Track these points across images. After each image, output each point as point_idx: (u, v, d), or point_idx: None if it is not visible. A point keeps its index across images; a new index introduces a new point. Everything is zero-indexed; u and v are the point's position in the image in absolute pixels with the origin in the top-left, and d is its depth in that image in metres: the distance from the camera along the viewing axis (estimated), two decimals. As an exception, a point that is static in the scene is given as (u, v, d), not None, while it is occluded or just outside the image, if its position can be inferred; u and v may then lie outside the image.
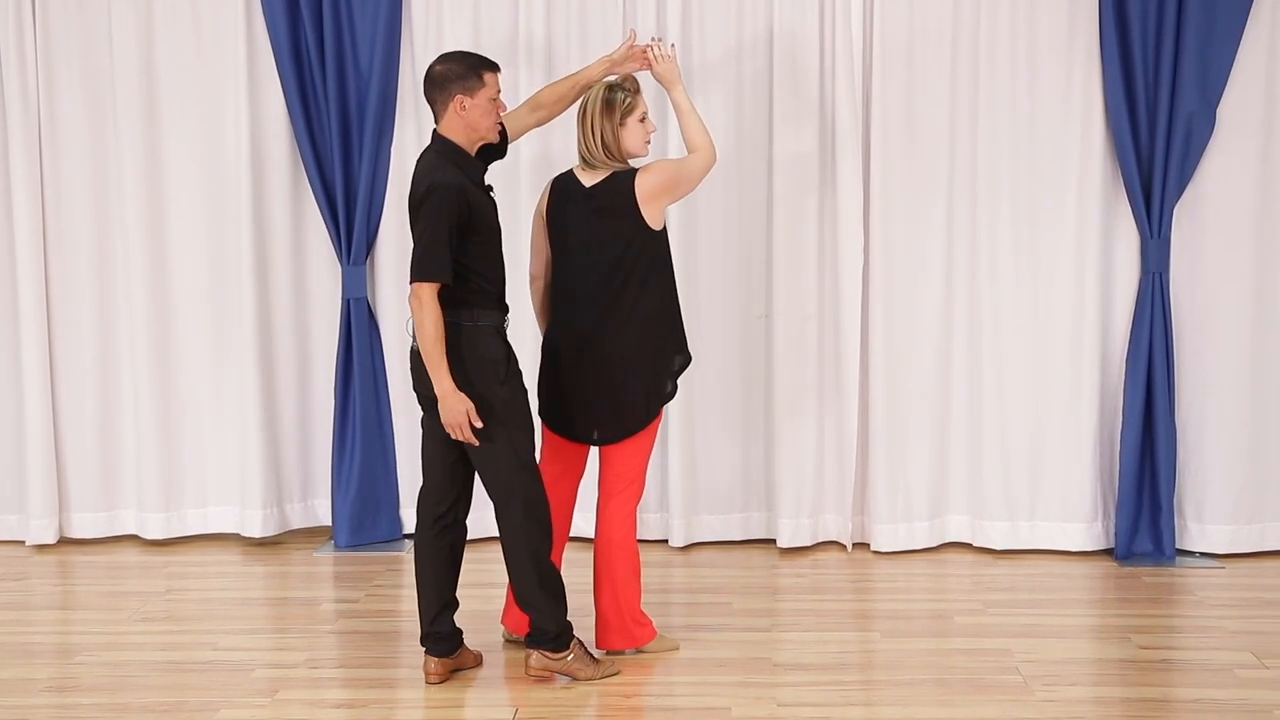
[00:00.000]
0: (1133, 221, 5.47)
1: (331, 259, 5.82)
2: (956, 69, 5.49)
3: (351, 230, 5.69)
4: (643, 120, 4.32)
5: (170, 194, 5.78)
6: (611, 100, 4.27)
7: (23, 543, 5.91)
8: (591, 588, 4.44)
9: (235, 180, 5.71)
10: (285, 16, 5.58)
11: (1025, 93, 5.46)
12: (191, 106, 5.74)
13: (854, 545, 5.71)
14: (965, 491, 5.66)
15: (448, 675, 4.25)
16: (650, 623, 4.48)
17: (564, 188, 4.36)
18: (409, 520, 5.86)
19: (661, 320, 4.34)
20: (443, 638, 4.24)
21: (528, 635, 4.23)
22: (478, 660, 4.37)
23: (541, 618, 4.18)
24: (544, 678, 4.22)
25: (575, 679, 4.21)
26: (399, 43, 5.64)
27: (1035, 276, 5.53)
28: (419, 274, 3.97)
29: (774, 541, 5.71)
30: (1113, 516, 5.59)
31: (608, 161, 4.29)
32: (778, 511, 5.65)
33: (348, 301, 5.72)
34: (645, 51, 4.54)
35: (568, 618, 4.21)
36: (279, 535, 5.89)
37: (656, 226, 4.29)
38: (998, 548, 5.60)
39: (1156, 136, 5.37)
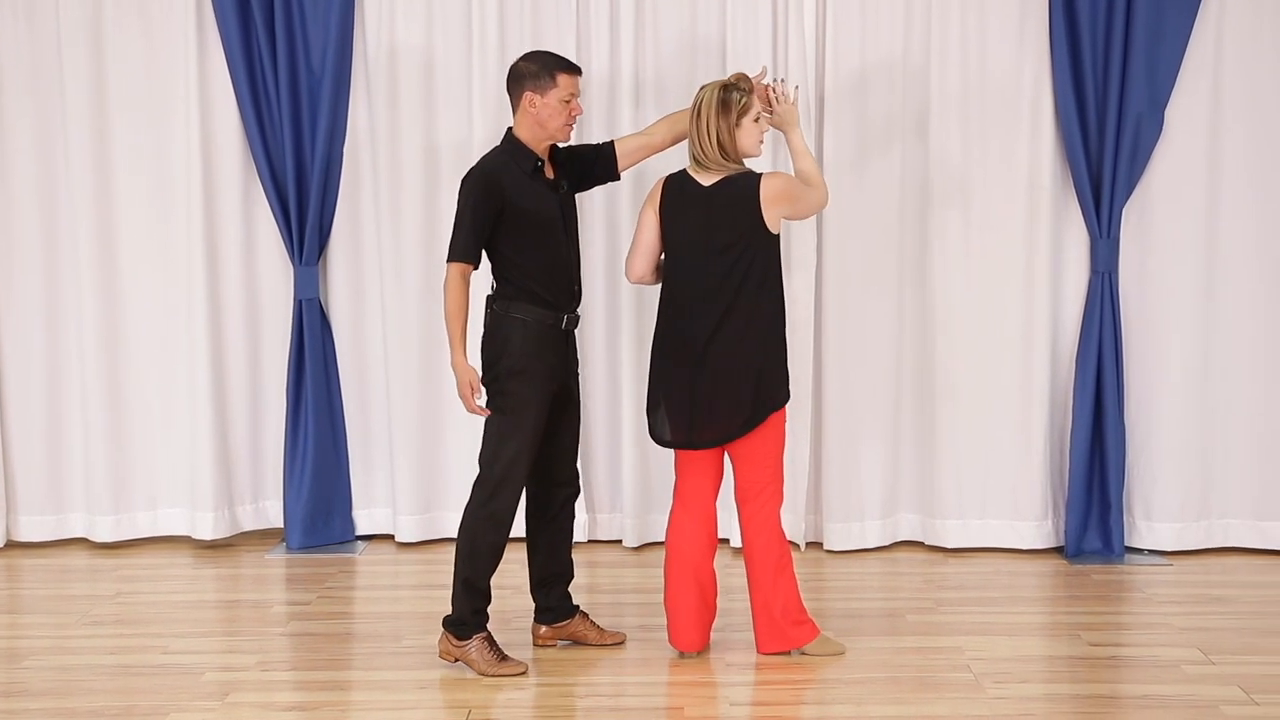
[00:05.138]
0: (1082, 222, 5.51)
1: (283, 259, 5.78)
2: (907, 66, 5.50)
3: (304, 230, 5.66)
4: (757, 120, 4.27)
5: (119, 193, 5.71)
6: (728, 100, 4.21)
7: (-31, 546, 5.85)
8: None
9: (186, 181, 5.66)
10: (236, 14, 5.53)
11: (976, 92, 5.48)
12: (141, 105, 5.68)
13: (807, 544, 5.72)
14: (917, 490, 5.69)
15: (554, 642, 4.50)
16: (809, 622, 4.42)
17: (679, 187, 4.29)
18: (362, 521, 5.85)
19: (776, 325, 4.27)
20: (551, 606, 4.49)
21: (446, 617, 4.32)
22: (601, 637, 4.53)
23: (453, 601, 4.29)
24: (450, 657, 4.31)
25: (472, 669, 4.28)
26: (351, 42, 5.60)
27: (985, 276, 5.55)
28: (449, 254, 4.18)
29: (728, 541, 5.72)
30: (1063, 514, 5.63)
31: (723, 163, 4.23)
32: (731, 511, 5.64)
33: (300, 302, 5.68)
34: (768, 91, 4.44)
35: (478, 614, 4.26)
36: (230, 537, 5.84)
37: (774, 230, 4.23)
38: (949, 546, 5.63)
39: (1106, 137, 5.41)
